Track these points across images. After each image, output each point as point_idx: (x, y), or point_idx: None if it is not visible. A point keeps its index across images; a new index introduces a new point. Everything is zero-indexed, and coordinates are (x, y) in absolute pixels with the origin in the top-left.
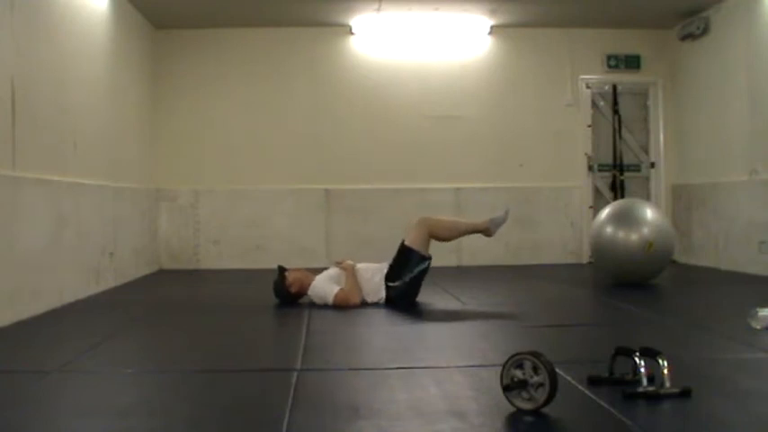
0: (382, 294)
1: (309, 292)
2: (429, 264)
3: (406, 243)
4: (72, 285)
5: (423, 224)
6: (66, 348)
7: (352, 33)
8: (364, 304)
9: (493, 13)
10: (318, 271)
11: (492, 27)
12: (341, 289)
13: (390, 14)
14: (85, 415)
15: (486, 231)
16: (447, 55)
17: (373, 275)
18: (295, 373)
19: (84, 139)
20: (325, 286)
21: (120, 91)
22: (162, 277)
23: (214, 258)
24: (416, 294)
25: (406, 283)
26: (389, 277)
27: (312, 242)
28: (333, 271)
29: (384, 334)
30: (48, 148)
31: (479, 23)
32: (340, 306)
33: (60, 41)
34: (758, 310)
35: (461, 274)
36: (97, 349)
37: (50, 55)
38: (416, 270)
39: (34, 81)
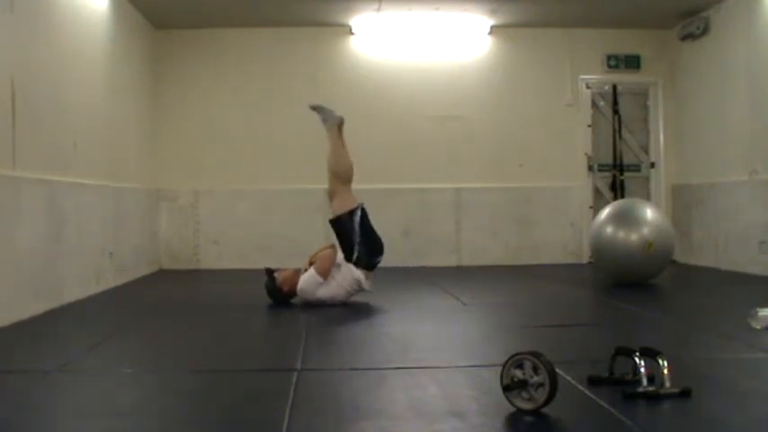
0: (357, 274)
1: (299, 293)
2: (360, 210)
3: (330, 219)
4: (72, 285)
5: (333, 189)
6: (67, 348)
7: (352, 33)
8: (363, 291)
9: (493, 13)
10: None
11: (492, 27)
12: (314, 265)
13: (390, 14)
14: (85, 415)
15: (336, 124)
16: (447, 55)
17: (343, 265)
18: (295, 373)
19: (84, 139)
20: (306, 277)
21: (120, 91)
22: (162, 277)
23: (214, 258)
24: (379, 240)
25: (361, 244)
26: (347, 257)
27: (312, 242)
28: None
29: (384, 334)
30: (48, 148)
31: (479, 23)
32: (327, 269)
33: (60, 42)
34: (758, 310)
35: (461, 274)
36: (97, 349)
37: (50, 55)
38: (356, 227)
39: (34, 81)
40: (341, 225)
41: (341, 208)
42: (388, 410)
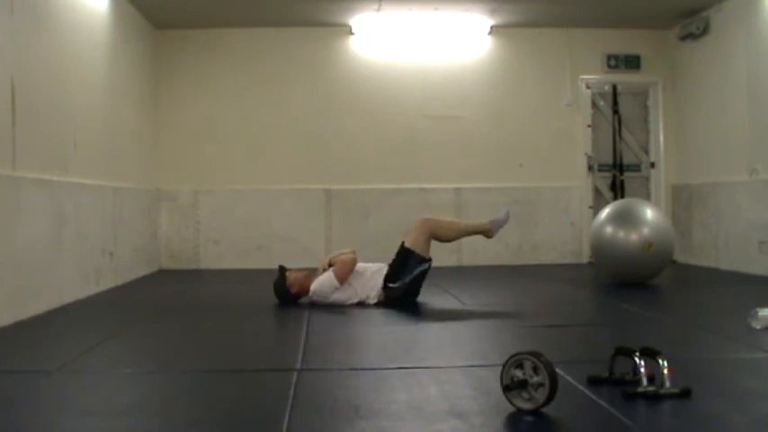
0: (378, 291)
1: (312, 295)
2: (429, 265)
3: (406, 245)
4: (72, 285)
5: (424, 225)
6: (67, 348)
7: (352, 33)
8: (365, 305)
9: (493, 13)
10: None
11: (492, 27)
12: (333, 268)
13: (390, 14)
14: (85, 415)
15: (488, 233)
16: (447, 55)
17: (373, 275)
18: (295, 373)
19: (84, 139)
20: (323, 279)
21: (120, 91)
22: (162, 277)
23: (214, 258)
24: (416, 295)
25: (406, 284)
26: (389, 278)
27: (312, 242)
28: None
29: (384, 334)
30: (48, 148)
31: (479, 23)
32: (345, 275)
33: (60, 41)
34: (758, 310)
35: (461, 274)
36: (97, 349)
37: (50, 55)
38: (416, 271)
39: (34, 81)
40: (406, 258)
41: (418, 246)
42: (387, 410)
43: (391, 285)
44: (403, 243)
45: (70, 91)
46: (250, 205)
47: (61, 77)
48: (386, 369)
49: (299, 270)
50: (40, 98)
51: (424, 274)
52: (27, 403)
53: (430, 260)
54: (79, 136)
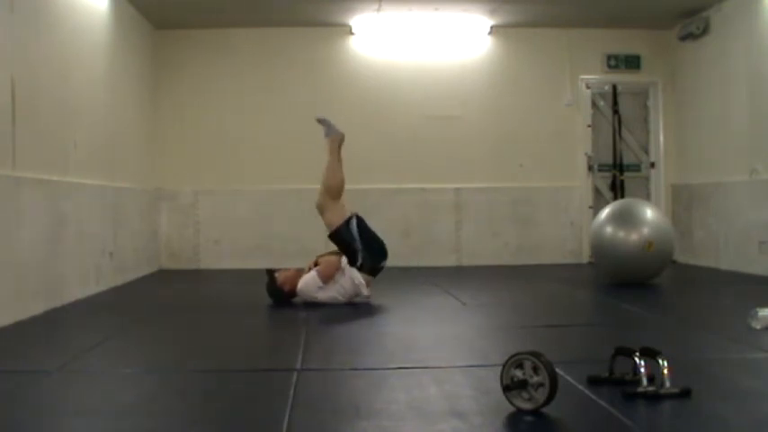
0: (359, 279)
1: (299, 293)
2: (355, 218)
3: (329, 234)
4: (72, 285)
5: (323, 203)
6: (67, 348)
7: (352, 33)
8: (361, 300)
9: (493, 13)
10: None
11: (492, 27)
12: (317, 267)
13: (390, 14)
14: (85, 415)
15: (335, 140)
16: (447, 55)
17: (347, 270)
18: (295, 373)
19: (84, 139)
20: (307, 279)
21: (120, 91)
22: (162, 277)
23: (214, 258)
24: (378, 242)
25: (363, 250)
26: (351, 262)
27: (312, 242)
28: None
29: (384, 334)
30: (48, 148)
31: (479, 23)
32: (329, 275)
33: (60, 41)
34: (758, 310)
35: (461, 274)
36: (97, 349)
37: (50, 55)
38: (354, 234)
39: (34, 81)
40: (339, 236)
41: (335, 221)
42: (388, 410)
43: (357, 265)
44: (328, 236)
45: (70, 90)
46: (250, 205)
47: (61, 77)
48: (386, 369)
49: (287, 269)
50: (40, 98)
51: (362, 227)
52: (27, 403)
53: (352, 215)
54: (79, 136)
